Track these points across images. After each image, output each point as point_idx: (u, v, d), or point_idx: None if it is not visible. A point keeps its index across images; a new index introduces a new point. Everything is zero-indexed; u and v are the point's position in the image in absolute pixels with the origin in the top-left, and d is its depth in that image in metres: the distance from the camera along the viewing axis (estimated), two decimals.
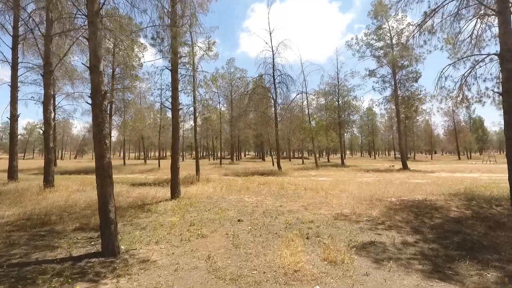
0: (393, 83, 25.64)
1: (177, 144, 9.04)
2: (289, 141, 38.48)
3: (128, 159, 76.37)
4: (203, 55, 14.76)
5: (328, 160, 43.70)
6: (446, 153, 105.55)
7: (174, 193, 8.90)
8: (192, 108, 13.37)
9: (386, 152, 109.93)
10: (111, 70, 24.07)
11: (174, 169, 9.01)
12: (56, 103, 25.11)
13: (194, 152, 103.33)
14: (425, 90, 23.97)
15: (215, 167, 25.89)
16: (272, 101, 20.88)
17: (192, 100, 13.38)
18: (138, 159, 74.84)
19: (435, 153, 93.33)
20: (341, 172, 21.15)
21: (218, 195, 9.77)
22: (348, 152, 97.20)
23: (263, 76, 20.76)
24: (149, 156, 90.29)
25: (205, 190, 10.60)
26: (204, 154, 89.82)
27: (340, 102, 32.15)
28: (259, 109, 20.82)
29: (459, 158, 58.83)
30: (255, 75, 20.87)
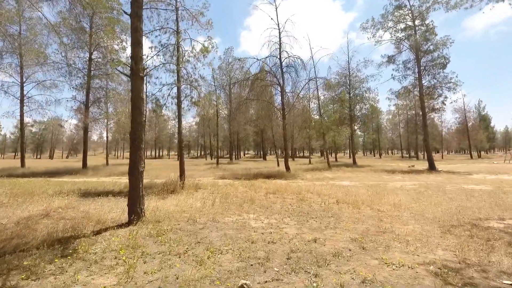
0: (416, 70, 22.17)
1: (139, 132, 5.52)
2: (293, 137, 34.96)
3: (123, 158, 72.63)
4: (192, 21, 11.29)
5: (336, 160, 40.21)
6: (450, 152, 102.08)
7: (133, 213, 5.37)
8: (175, 89, 9.88)
9: (390, 151, 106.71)
10: (88, 53, 20.45)
11: (134, 173, 5.48)
12: (25, 92, 21.49)
13: (191, 151, 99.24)
14: (456, 77, 20.50)
15: (210, 168, 22.36)
16: (279, 89, 17.36)
17: (176, 78, 9.88)
18: None
19: (438, 152, 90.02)
20: (361, 173, 17.67)
21: (207, 214, 6.23)
22: (348, 151, 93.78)
23: (268, 58, 17.25)
24: (144, 155, 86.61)
25: (188, 205, 7.05)
26: (202, 153, 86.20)
27: (351, 94, 28.68)
28: (262, 98, 17.28)
29: (471, 157, 55.72)
30: (257, 68, 17.04)
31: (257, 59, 16.52)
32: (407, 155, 67.08)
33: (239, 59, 15.80)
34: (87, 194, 8.65)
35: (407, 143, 64.26)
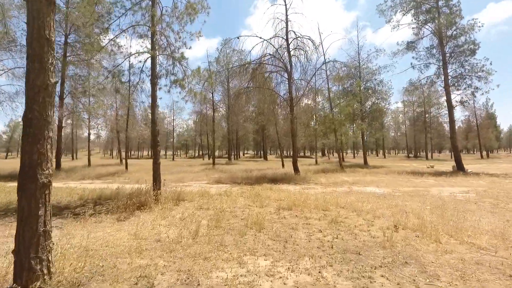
0: (440, 57, 19.44)
1: (40, 106, 2.78)
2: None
3: (117, 158, 69.51)
4: None
5: (343, 160, 37.43)
6: (451, 151, 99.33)
7: (22, 272, 2.59)
8: (149, 62, 7.06)
9: (393, 151, 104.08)
10: (63, 36, 17.62)
11: (28, 188, 2.72)
12: None
13: (190, 151, 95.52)
14: (490, 64, 17.73)
15: (205, 169, 19.55)
16: (286, 76, 14.58)
17: (150, 43, 7.11)
18: (131, 158, 67.46)
19: (440, 152, 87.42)
20: (382, 176, 14.92)
21: (180, 260, 3.42)
22: (349, 151, 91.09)
23: (272, 39, 14.47)
24: (141, 155, 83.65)
25: (153, 236, 4.25)
26: (200, 152, 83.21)
27: (362, 87, 25.93)
28: (265, 86, 14.51)
29: (482, 157, 53.28)
30: (259, 53, 14.27)
31: (260, 37, 13.69)
32: (412, 155, 64.49)
33: (238, 38, 13.02)
34: (11, 211, 5.84)
35: (413, 142, 61.47)
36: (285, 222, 5.18)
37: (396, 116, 72.80)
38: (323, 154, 71.71)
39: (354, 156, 63.86)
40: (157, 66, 7.14)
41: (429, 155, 54.97)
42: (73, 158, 49.30)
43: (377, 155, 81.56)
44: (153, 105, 6.67)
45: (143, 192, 6.55)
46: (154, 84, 6.81)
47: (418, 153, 66.02)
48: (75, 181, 13.12)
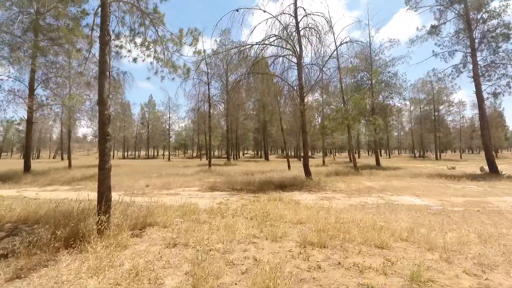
0: (468, 43, 17.05)
1: None
2: (299, 133, 29.72)
3: (113, 158, 67.05)
4: None
5: (351, 160, 35.01)
6: (453, 151, 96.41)
7: None
8: (99, 19, 4.67)
9: (395, 151, 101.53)
10: (34, 16, 15.16)
11: None
12: None
13: (190, 151, 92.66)
14: None
15: (200, 171, 17.08)
16: (294, 60, 12.20)
17: None
18: (123, 159, 65.06)
19: (444, 152, 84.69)
20: (411, 181, 12.51)
21: None
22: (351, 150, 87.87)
23: (279, 16, 12.09)
24: (138, 155, 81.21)
25: None
26: (200, 152, 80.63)
27: (373, 81, 23.54)
28: (270, 73, 12.14)
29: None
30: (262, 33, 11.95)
31: (264, 10, 11.22)
32: (418, 155, 62.04)
33: (237, 10, 10.56)
34: None
35: (420, 141, 58.86)
36: (323, 280, 2.77)
37: (399, 115, 70.24)
38: (326, 154, 69.26)
39: (359, 156, 61.35)
40: (110, 16, 4.79)
41: (438, 155, 52.43)
42: (62, 159, 46.82)
43: (381, 155, 79.11)
44: (102, 77, 4.23)
45: (84, 214, 4.12)
46: (104, 43, 4.39)
47: (425, 153, 63.59)
48: (39, 187, 10.70)
